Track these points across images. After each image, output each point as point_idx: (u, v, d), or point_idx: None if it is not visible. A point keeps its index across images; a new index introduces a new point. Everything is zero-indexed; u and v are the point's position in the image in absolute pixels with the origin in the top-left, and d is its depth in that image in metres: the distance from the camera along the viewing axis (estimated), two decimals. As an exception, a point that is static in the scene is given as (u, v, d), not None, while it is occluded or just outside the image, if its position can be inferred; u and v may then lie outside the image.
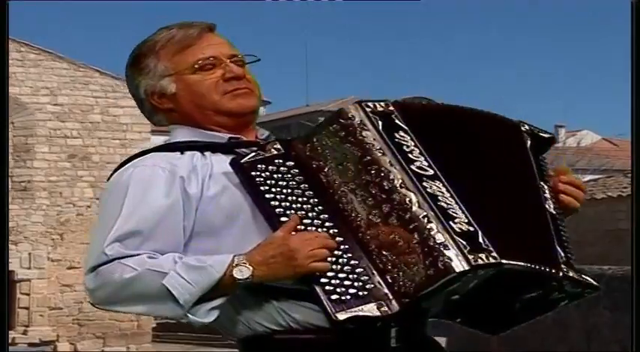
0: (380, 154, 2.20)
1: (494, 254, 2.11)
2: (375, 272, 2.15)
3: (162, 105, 2.39)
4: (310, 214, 2.21)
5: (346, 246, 2.18)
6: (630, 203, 6.20)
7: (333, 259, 2.16)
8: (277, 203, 2.22)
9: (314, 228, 2.20)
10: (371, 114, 2.24)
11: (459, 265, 2.09)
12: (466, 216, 2.15)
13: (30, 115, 23.04)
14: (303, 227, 2.20)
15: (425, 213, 2.14)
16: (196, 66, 2.35)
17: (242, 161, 2.25)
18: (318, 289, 2.14)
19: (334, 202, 2.22)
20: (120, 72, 23.61)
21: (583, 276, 2.30)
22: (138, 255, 2.19)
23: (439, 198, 2.16)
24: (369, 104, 2.27)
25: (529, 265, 2.17)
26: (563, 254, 2.27)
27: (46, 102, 23.30)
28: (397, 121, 2.25)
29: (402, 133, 2.23)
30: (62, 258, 22.84)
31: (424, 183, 2.17)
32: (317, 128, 2.28)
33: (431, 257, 2.10)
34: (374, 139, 2.21)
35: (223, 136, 2.35)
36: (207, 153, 2.31)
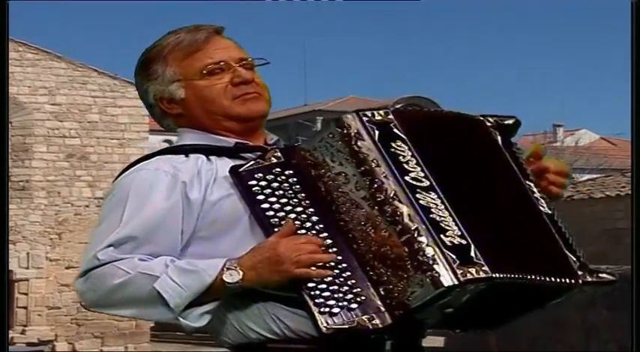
0: (374, 165, 2.18)
1: (485, 268, 2.08)
2: (369, 283, 2.14)
3: (171, 110, 2.39)
4: (306, 224, 2.21)
5: (340, 257, 2.17)
6: (630, 202, 6.20)
7: (326, 269, 2.15)
8: (273, 213, 2.21)
9: None
10: (368, 124, 2.22)
11: (447, 280, 2.06)
12: (459, 229, 2.12)
13: (28, 115, 23.03)
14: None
15: (416, 226, 2.12)
16: (205, 71, 2.34)
17: (240, 169, 2.25)
18: (308, 300, 2.13)
19: (331, 212, 2.21)
20: (118, 71, 23.66)
21: (599, 275, 2.27)
22: (131, 258, 2.19)
23: (432, 210, 2.13)
24: (367, 113, 2.24)
25: (532, 278, 2.15)
26: (574, 257, 2.25)
27: (44, 102, 23.28)
28: (395, 130, 2.23)
29: (399, 143, 2.21)
30: (60, 257, 22.83)
31: (417, 195, 2.14)
32: (317, 135, 2.27)
33: (420, 271, 2.09)
34: (369, 150, 2.19)
35: (230, 141, 2.35)
36: (212, 158, 2.30)
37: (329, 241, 2.18)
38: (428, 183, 2.17)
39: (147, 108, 2.45)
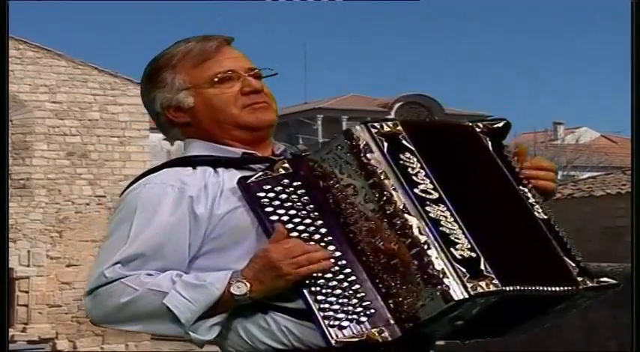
0: (383, 177, 2.17)
1: (495, 281, 2.07)
2: (378, 296, 2.14)
3: (178, 119, 2.37)
4: (315, 236, 2.20)
5: (350, 270, 2.17)
6: (630, 200, 6.20)
7: (335, 281, 2.16)
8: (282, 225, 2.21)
9: None
10: (376, 136, 2.21)
11: (457, 293, 2.05)
12: (469, 242, 2.11)
13: (28, 113, 23.04)
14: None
15: (425, 239, 2.11)
16: (215, 79, 2.34)
17: (249, 181, 2.24)
18: (317, 313, 2.13)
19: (339, 224, 2.20)
20: (118, 69, 23.65)
21: (601, 280, 2.26)
22: (137, 274, 2.20)
23: (442, 222, 2.12)
24: (376, 124, 2.23)
25: (537, 288, 2.15)
26: (573, 263, 2.24)
27: (45, 100, 23.29)
28: (404, 142, 2.21)
29: (408, 155, 2.20)
30: (61, 255, 22.85)
31: (427, 208, 2.13)
32: (326, 146, 2.27)
33: (430, 284, 2.08)
34: (378, 162, 2.18)
35: (237, 151, 2.34)
36: (219, 169, 2.30)
37: (338, 253, 2.18)
38: (437, 195, 2.16)
39: (152, 117, 2.43)
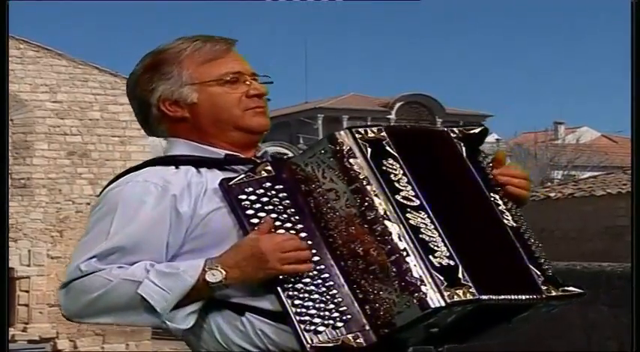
0: (365, 183, 2.17)
1: (472, 290, 2.08)
2: (355, 301, 2.15)
3: (174, 113, 2.37)
4: None
5: (328, 274, 2.17)
6: (630, 200, 6.21)
7: (313, 285, 2.16)
8: None
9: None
10: (360, 141, 2.21)
11: (434, 301, 2.07)
12: (448, 249, 2.12)
13: (29, 112, 23.04)
14: None
15: (404, 246, 2.12)
16: (227, 78, 2.35)
17: (231, 183, 2.24)
18: (293, 317, 2.14)
19: (320, 229, 2.21)
20: (119, 69, 23.62)
21: (566, 289, 2.26)
22: (111, 267, 2.19)
23: (422, 230, 2.13)
24: (360, 130, 2.23)
25: (510, 297, 2.16)
26: (539, 271, 2.23)
27: (45, 100, 23.29)
28: (387, 148, 2.22)
29: (391, 161, 2.20)
30: (62, 255, 22.84)
31: (407, 215, 2.14)
32: (309, 151, 2.27)
33: (407, 291, 2.09)
34: (361, 168, 2.19)
35: (220, 152, 2.35)
36: (202, 170, 2.30)
37: (317, 258, 2.19)
38: (418, 202, 2.17)
39: (140, 109, 2.40)
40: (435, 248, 2.12)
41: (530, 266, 2.23)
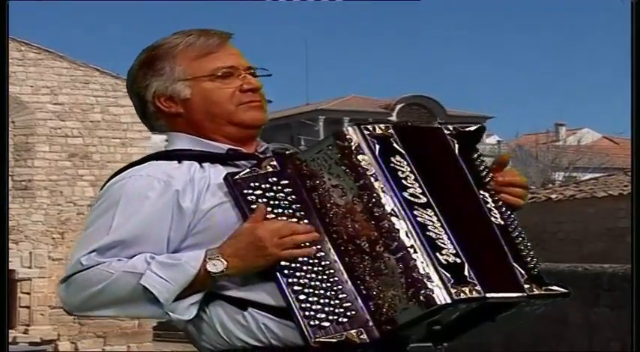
0: (373, 180, 2.17)
1: (478, 288, 2.10)
2: (359, 297, 2.15)
3: (169, 108, 2.36)
4: None
5: (332, 270, 2.17)
6: (630, 201, 6.20)
7: (317, 281, 2.16)
8: None
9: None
10: (369, 138, 2.21)
11: (441, 298, 2.07)
12: (454, 247, 2.13)
13: (30, 114, 23.06)
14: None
15: (412, 243, 2.12)
16: (219, 73, 2.34)
17: (236, 177, 2.24)
18: (297, 312, 2.14)
19: (325, 224, 2.21)
20: (120, 71, 23.63)
21: (549, 288, 2.25)
22: (111, 260, 2.19)
23: (429, 227, 2.14)
24: (368, 127, 2.23)
25: (510, 295, 2.17)
26: (523, 270, 2.23)
27: (47, 102, 23.31)
28: (395, 145, 2.22)
29: (398, 158, 2.21)
30: (63, 256, 22.84)
31: (415, 212, 2.15)
32: (315, 146, 2.27)
33: (413, 288, 2.09)
34: (369, 164, 2.19)
35: (222, 147, 2.34)
36: (205, 165, 2.29)
37: (321, 253, 2.19)
38: (425, 199, 2.17)
39: (138, 106, 2.40)
40: (442, 245, 2.13)
41: (514, 265, 2.23)
